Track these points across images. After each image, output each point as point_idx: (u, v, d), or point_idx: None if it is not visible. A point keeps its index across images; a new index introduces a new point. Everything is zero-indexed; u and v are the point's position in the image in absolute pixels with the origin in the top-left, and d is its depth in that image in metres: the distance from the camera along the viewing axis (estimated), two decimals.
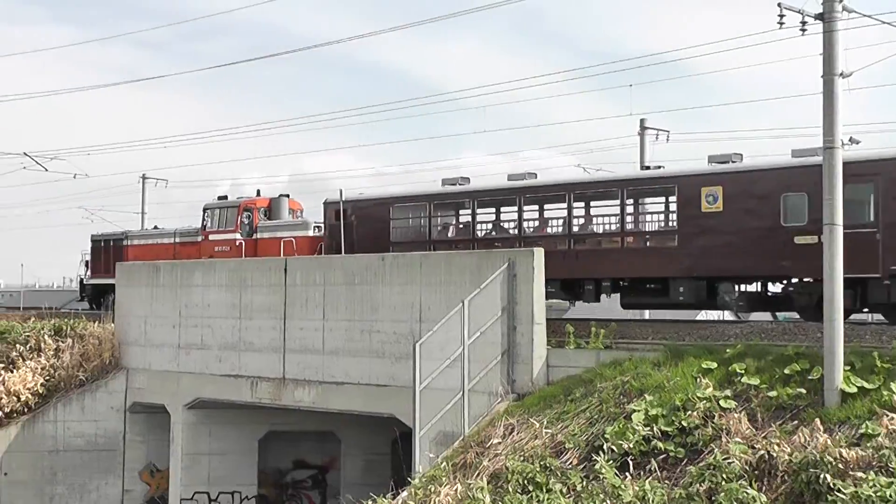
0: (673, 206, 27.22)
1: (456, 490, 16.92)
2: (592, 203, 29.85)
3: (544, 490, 16.33)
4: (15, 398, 30.34)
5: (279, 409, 27.01)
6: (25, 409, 30.37)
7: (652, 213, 29.11)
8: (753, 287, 26.72)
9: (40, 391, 30.65)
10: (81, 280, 47.22)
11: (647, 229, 28.34)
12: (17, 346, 32.19)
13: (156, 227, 44.09)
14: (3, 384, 30.60)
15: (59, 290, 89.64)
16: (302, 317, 25.79)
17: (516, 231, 30.16)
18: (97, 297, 44.19)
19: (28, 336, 32.48)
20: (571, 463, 17.02)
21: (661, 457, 16.38)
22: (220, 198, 40.19)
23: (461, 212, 32.75)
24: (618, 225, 28.17)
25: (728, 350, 18.95)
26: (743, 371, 17.81)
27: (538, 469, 16.77)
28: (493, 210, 31.90)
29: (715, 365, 18.37)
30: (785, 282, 26.01)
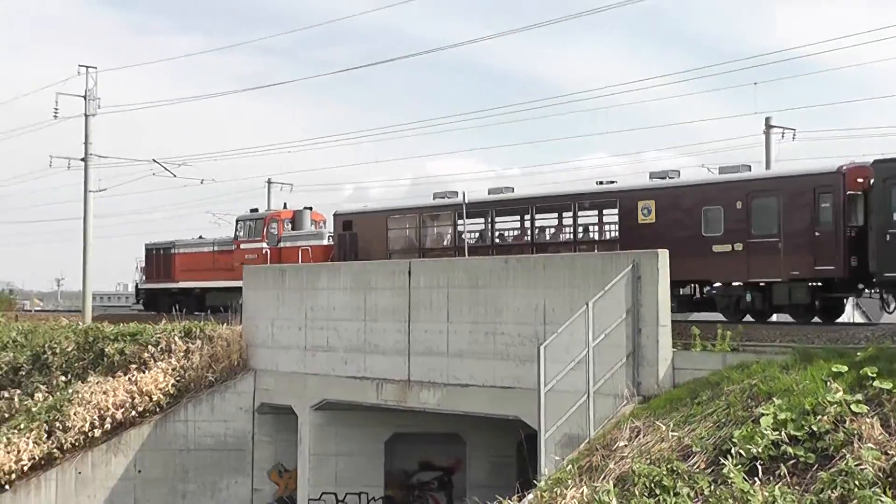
0: (615, 218, 31.43)
1: (582, 493, 17.04)
2: (549, 215, 33.98)
3: (671, 494, 16.33)
4: (147, 398, 31.37)
5: (405, 411, 27.43)
6: (157, 409, 31.37)
7: (598, 224, 32.78)
8: (686, 290, 30.42)
9: (171, 391, 31.61)
10: (137, 285, 51.78)
11: (595, 238, 32.28)
12: (149, 347, 33.28)
13: (200, 237, 48.36)
14: (136, 384, 31.68)
15: None
16: (426, 319, 26.18)
17: (496, 239, 34.67)
18: (152, 301, 48.95)
19: (159, 338, 33.51)
20: (699, 467, 16.97)
21: (791, 462, 16.24)
22: (251, 210, 44.75)
23: (447, 223, 36.23)
24: (570, 235, 32.70)
25: (859, 353, 18.68)
26: (875, 375, 17.54)
27: (665, 472, 16.78)
28: (477, 220, 35.41)
29: (845, 368, 18.10)
30: (708, 286, 30.10)
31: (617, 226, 31.31)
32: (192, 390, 31.66)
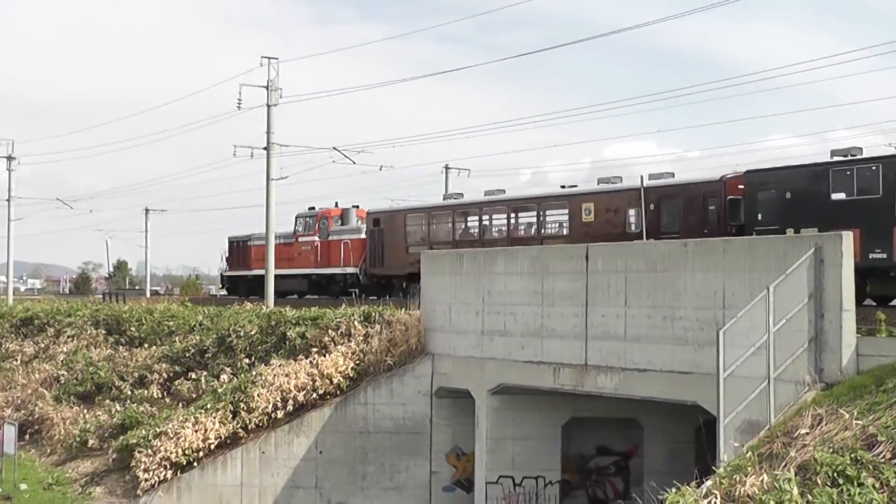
0: (566, 217, 38.10)
1: (762, 481, 16.97)
2: (521, 214, 40.70)
3: (855, 484, 16.13)
4: (328, 381, 32.36)
5: (582, 396, 27.61)
6: (338, 392, 32.33)
7: (554, 222, 39.31)
8: None
9: (351, 375, 32.53)
10: (221, 273, 60.05)
11: (551, 233, 38.74)
12: (330, 331, 34.32)
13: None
14: (317, 367, 32.72)
15: None
16: (604, 303, 26.28)
17: (487, 235, 41.37)
18: (233, 286, 57.14)
19: (339, 322, 34.52)
20: (884, 457, 16.69)
21: None
22: (309, 209, 51.44)
23: (449, 221, 43.35)
24: (536, 230, 39.79)
25: None
26: None
27: (849, 462, 16.58)
28: (474, 218, 42.49)
29: None
30: None
31: (567, 223, 38.04)
32: (372, 374, 32.48)
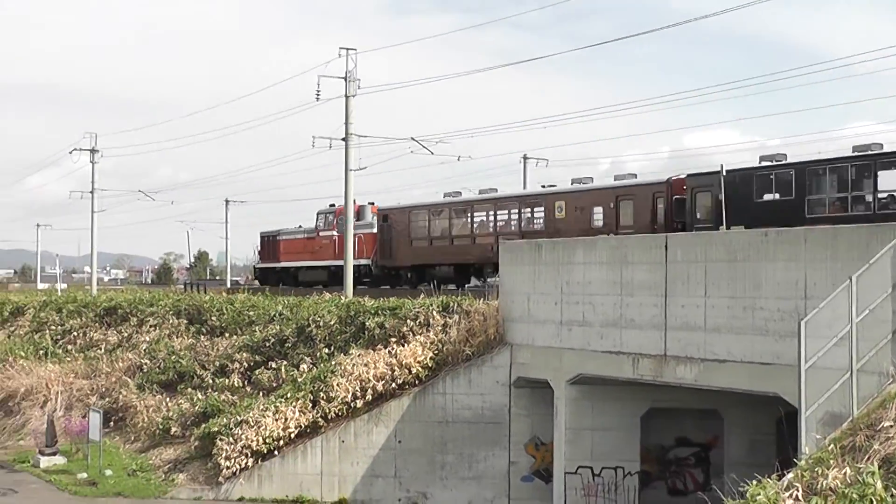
0: (542, 214, 42.14)
1: (845, 474, 16.87)
2: (505, 211, 44.74)
3: None
4: (406, 371, 32.72)
5: (661, 386, 27.63)
6: (416, 382, 32.69)
7: (533, 218, 43.26)
8: None
9: (430, 364, 32.86)
10: (254, 265, 65.90)
11: (531, 229, 42.52)
12: (408, 321, 34.63)
13: (300, 226, 58.60)
14: (396, 357, 33.08)
15: None
16: (683, 293, 26.28)
17: (477, 230, 45.97)
18: (264, 277, 61.79)
19: (418, 312, 34.82)
20: None
21: None
22: (329, 206, 55.36)
23: (447, 217, 47.86)
24: (517, 226, 43.83)
25: None
26: None
27: None
28: (467, 215, 46.88)
29: None
30: None
31: (543, 220, 42.05)
32: (450, 364, 32.76)
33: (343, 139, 42.82)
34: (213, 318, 44.30)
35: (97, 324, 52.74)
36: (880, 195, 31.91)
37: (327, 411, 32.62)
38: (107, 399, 41.70)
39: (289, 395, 33.67)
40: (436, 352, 33.13)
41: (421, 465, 32.21)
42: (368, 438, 32.31)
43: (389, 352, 33.54)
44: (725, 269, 25.25)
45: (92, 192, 68.71)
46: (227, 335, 42.30)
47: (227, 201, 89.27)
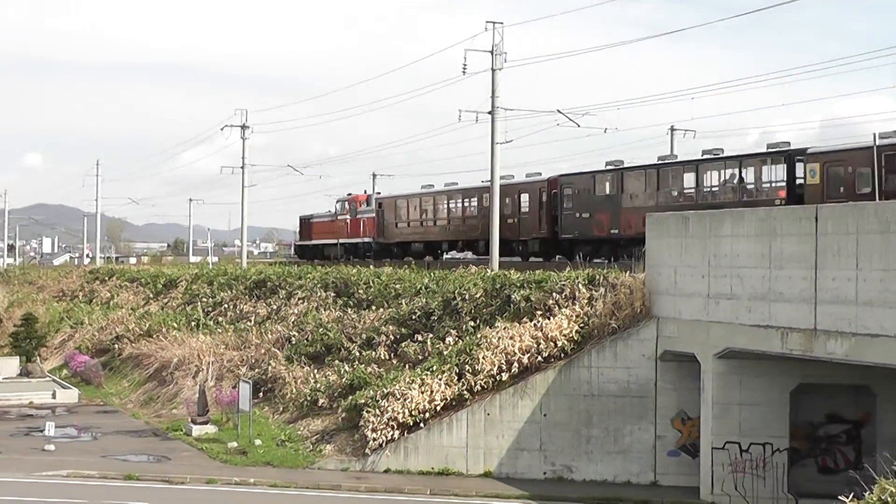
0: (476, 203, 54.07)
1: None
2: (451, 202, 56.93)
3: None
4: (552, 344, 33.31)
5: (810, 361, 27.67)
6: (562, 355, 33.26)
7: (473, 207, 54.69)
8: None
9: (575, 338, 33.40)
10: (293, 243, 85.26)
11: (469, 215, 54.99)
12: (554, 294, 35.17)
13: (328, 211, 71.97)
14: (541, 330, 33.69)
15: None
16: (834, 266, 26.24)
17: (436, 217, 58.11)
18: (301, 253, 76.32)
19: (564, 285, 35.33)
20: None
21: None
22: (347, 195, 68.96)
23: (430, 205, 58.77)
24: (461, 213, 56.03)
25: None
26: None
27: None
28: (432, 204, 58.54)
29: None
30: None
31: (477, 210, 53.70)
32: (596, 337, 33.23)
33: (489, 112, 43.36)
34: (360, 291, 45.48)
35: (247, 296, 54.71)
36: None
37: (473, 384, 33.38)
38: (256, 370, 43.32)
39: (434, 367, 34.57)
40: (581, 325, 33.61)
41: (566, 438, 32.78)
42: (514, 412, 32.98)
43: (535, 325, 34.16)
44: (878, 240, 25.13)
45: (242, 168, 70.73)
46: (373, 308, 43.38)
47: (373, 175, 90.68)
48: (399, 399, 33.62)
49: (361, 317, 42.97)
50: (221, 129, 70.26)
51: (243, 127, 68.99)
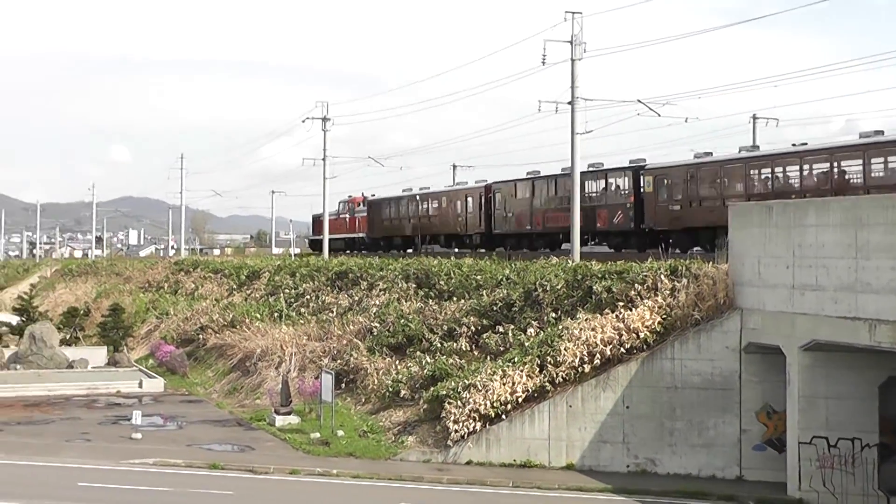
0: (437, 205, 65.40)
1: None
2: (421, 204, 67.32)
3: None
4: (634, 335, 33.18)
5: None
6: (644, 347, 33.12)
7: (431, 208, 66.55)
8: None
9: (658, 329, 33.24)
10: (307, 238, 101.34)
11: (427, 214, 66.11)
12: (636, 285, 35.01)
13: (335, 210, 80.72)
14: (623, 322, 33.55)
15: None
16: None
17: (413, 217, 68.00)
18: (313, 246, 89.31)
19: (645, 276, 35.15)
20: None
21: None
22: (348, 196, 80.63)
23: (406, 208, 69.54)
24: (426, 214, 66.67)
25: None
26: None
27: None
28: (407, 207, 69.17)
29: None
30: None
31: (438, 209, 65.38)
32: (678, 328, 33.04)
33: (569, 103, 43.19)
34: (441, 282, 45.65)
35: (329, 287, 55.19)
36: None
37: (554, 376, 33.37)
38: (338, 361, 43.70)
39: (516, 359, 34.59)
40: (664, 316, 33.43)
41: (649, 431, 32.64)
42: (596, 403, 32.92)
43: (617, 316, 34.03)
44: None
45: (324, 160, 71.27)
46: (454, 299, 43.53)
47: (454, 166, 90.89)
48: (481, 391, 33.72)
49: (443, 308, 43.13)
50: (303, 122, 70.90)
51: (324, 119, 69.48)
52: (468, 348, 39.23)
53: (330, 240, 77.18)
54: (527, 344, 35.54)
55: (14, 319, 72.95)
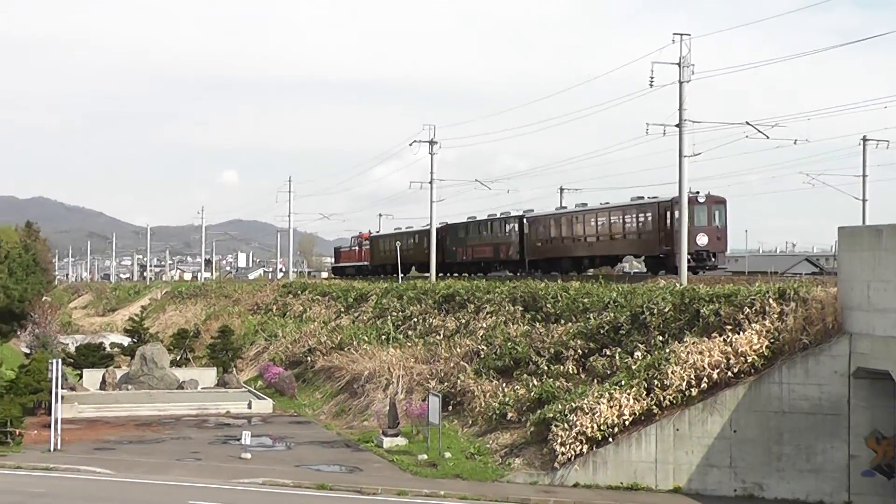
0: (417, 241, 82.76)
1: None
2: (408, 240, 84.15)
3: None
4: (742, 359, 33.49)
5: None
6: (751, 371, 33.41)
7: (412, 246, 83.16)
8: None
9: (765, 353, 33.50)
10: (330, 265, 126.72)
11: (409, 250, 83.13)
12: (744, 308, 35.32)
13: (351, 238, 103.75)
14: (731, 345, 33.89)
15: (781, 254, 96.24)
16: None
17: (402, 249, 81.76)
18: (336, 273, 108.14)
19: (753, 299, 35.45)
20: None
21: None
22: (358, 233, 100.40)
23: (401, 244, 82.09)
24: (409, 249, 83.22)
25: None
26: None
27: None
28: (396, 243, 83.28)
29: None
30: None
31: (414, 245, 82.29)
32: (786, 352, 33.28)
33: (677, 125, 43.70)
34: (549, 306, 46.24)
35: (436, 310, 56.11)
36: None
37: (661, 399, 33.81)
38: (445, 383, 44.61)
39: (623, 382, 35.11)
40: (771, 340, 33.69)
41: (756, 455, 32.92)
42: (703, 427, 33.27)
43: (724, 339, 34.36)
44: None
45: (431, 182, 72.18)
46: (561, 322, 44.09)
47: (561, 189, 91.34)
48: (587, 413, 34.27)
49: (549, 331, 43.70)
50: (410, 145, 72.15)
51: (431, 142, 70.55)
52: (575, 371, 39.78)
53: (345, 267, 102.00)
54: (634, 367, 36.00)
55: (126, 341, 75.56)
